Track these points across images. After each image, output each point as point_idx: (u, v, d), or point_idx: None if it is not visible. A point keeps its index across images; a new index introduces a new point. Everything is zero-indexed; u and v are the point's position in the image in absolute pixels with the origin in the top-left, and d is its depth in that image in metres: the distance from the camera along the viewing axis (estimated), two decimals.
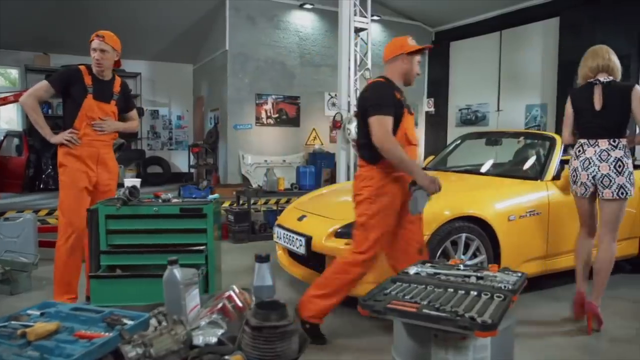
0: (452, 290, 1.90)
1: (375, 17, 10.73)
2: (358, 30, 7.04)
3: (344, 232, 3.58)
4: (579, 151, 3.39)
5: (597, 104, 3.29)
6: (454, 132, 11.02)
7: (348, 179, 6.74)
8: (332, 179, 7.12)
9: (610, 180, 3.25)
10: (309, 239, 3.70)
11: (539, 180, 4.10)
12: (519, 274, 2.09)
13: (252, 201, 6.42)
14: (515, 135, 5.32)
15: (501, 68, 10.48)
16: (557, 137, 4.44)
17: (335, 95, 8.32)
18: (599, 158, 3.27)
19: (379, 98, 2.86)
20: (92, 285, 2.91)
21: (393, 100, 2.87)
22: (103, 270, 3.06)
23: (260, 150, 10.16)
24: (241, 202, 6.65)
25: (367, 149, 2.91)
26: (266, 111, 10.20)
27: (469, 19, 10.85)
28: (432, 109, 11.72)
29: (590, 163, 3.30)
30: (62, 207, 3.39)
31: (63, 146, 3.39)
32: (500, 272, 2.14)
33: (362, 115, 2.91)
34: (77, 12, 9.33)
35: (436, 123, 11.74)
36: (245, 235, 6.05)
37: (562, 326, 3.40)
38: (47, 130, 3.37)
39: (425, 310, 1.70)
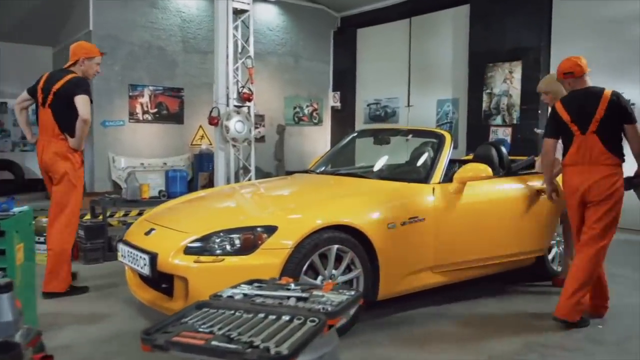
0: (262, 315, 1.84)
1: None
2: (238, 12, 6.92)
3: (195, 248, 3.45)
4: None
5: None
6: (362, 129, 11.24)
7: (228, 183, 6.59)
8: (210, 184, 6.94)
9: None
10: (153, 257, 3.52)
11: (424, 184, 4.17)
12: (352, 293, 2.07)
13: (110, 212, 6.10)
14: (406, 133, 5.43)
15: (411, 59, 10.83)
16: (446, 134, 4.53)
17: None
18: None
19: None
20: None
21: None
22: None
23: (136, 152, 9.76)
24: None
25: (619, 149, 3.71)
26: (142, 105, 9.82)
27: (377, 3, 11.13)
28: (338, 104, 11.86)
29: None
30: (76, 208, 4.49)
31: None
32: (333, 290, 2.10)
33: (619, 119, 3.68)
34: None
35: (343, 120, 11.90)
36: (100, 253, 5.71)
37: (440, 348, 3.47)
38: None
39: (214, 343, 1.62)
